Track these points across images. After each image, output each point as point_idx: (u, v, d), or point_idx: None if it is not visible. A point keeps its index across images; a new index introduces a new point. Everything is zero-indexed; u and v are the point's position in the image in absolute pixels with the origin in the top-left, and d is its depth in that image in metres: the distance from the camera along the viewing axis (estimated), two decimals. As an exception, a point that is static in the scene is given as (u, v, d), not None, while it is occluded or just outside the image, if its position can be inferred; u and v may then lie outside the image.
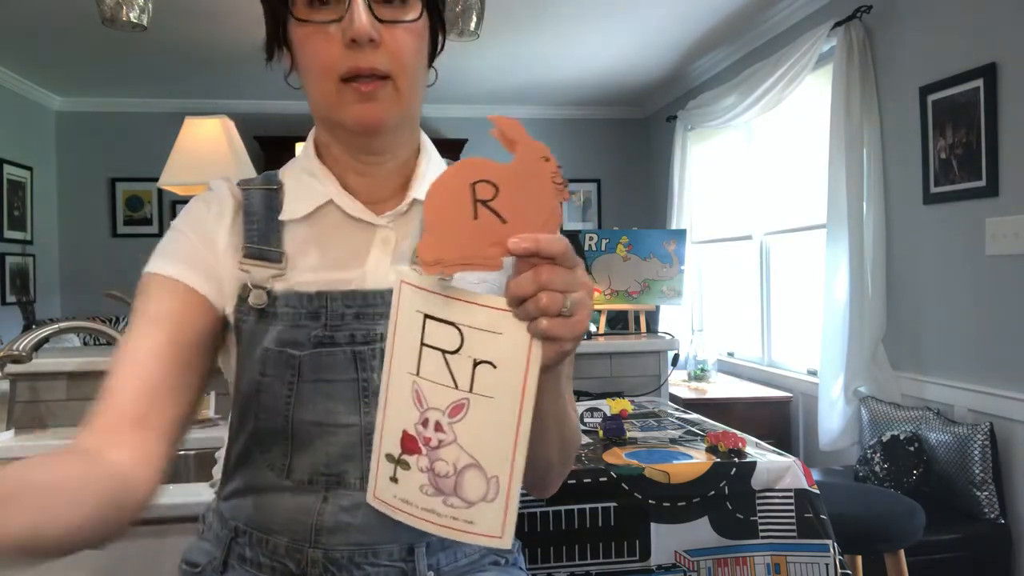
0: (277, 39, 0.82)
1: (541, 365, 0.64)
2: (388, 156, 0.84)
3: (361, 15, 0.73)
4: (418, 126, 0.88)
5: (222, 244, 0.83)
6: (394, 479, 0.71)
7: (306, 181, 0.85)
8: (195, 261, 0.81)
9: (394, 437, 0.71)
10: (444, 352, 0.67)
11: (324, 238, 0.84)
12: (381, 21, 0.75)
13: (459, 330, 0.67)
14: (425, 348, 0.69)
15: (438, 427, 0.68)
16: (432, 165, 0.88)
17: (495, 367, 0.66)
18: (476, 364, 0.67)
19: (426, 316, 0.68)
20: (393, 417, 0.71)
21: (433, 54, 0.85)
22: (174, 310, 0.79)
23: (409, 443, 0.70)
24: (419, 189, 0.85)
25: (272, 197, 0.86)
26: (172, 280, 0.80)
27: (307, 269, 0.82)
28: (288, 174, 0.88)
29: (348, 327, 0.81)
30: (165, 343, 0.76)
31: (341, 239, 0.84)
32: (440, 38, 0.85)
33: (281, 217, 0.84)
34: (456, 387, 0.67)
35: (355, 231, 0.84)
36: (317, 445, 0.81)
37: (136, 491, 0.69)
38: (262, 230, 0.83)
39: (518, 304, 0.63)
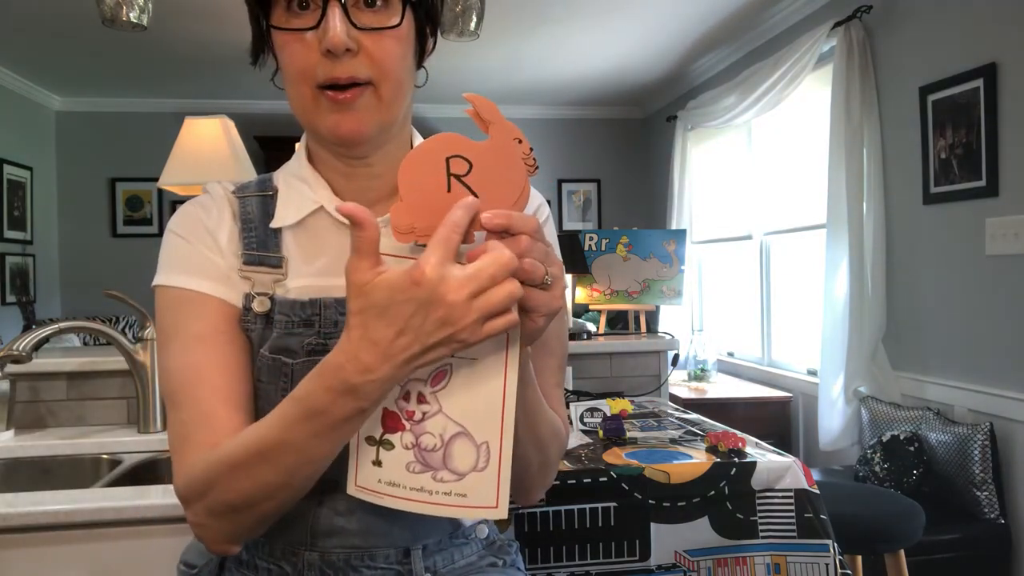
0: (262, 42, 0.80)
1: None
2: (376, 159, 0.81)
3: (336, 24, 0.70)
4: (408, 125, 0.86)
5: (224, 242, 0.82)
6: (377, 462, 0.69)
7: (297, 187, 0.84)
8: (208, 268, 0.80)
9: (374, 417, 0.69)
10: None
11: (316, 244, 0.83)
12: (359, 28, 0.72)
13: None
14: None
15: (421, 398, 0.68)
16: None
17: None
18: None
19: None
20: None
21: (422, 55, 0.82)
22: (217, 326, 0.78)
23: (391, 420, 0.69)
24: None
25: (267, 203, 0.84)
26: (199, 294, 0.79)
27: (301, 276, 0.81)
28: (281, 178, 0.86)
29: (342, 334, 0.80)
30: (221, 358, 0.77)
31: (333, 245, 0.82)
32: (430, 39, 0.82)
33: (272, 224, 0.82)
34: None
35: (346, 237, 0.82)
36: None
37: None
38: (260, 237, 0.82)
39: None
